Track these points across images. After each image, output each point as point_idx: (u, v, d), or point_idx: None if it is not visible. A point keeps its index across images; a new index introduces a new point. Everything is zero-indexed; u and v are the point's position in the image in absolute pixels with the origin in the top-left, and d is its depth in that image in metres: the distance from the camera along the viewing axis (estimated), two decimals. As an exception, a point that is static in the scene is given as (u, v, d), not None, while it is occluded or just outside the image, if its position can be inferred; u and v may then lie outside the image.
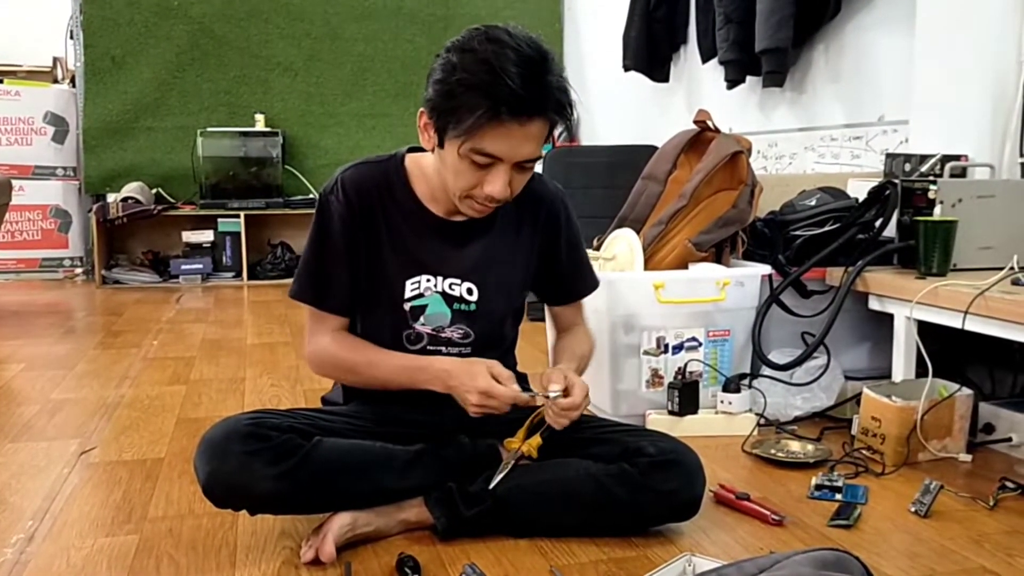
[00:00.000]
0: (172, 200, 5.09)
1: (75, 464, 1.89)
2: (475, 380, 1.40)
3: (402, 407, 1.54)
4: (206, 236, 5.06)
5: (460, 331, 1.54)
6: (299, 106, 5.35)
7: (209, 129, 5.08)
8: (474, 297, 1.53)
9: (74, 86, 5.17)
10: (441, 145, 1.37)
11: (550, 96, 1.32)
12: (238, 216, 5.00)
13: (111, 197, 4.97)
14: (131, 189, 4.92)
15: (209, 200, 5.04)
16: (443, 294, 1.52)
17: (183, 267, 4.98)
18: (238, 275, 5.04)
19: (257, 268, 5.08)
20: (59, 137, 5.13)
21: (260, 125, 5.19)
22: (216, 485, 1.36)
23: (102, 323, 3.70)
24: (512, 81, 1.26)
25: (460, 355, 1.52)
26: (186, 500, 1.66)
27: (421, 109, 1.39)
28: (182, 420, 2.22)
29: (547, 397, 1.42)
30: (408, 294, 1.50)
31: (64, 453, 1.96)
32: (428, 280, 1.51)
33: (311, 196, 5.22)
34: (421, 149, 1.52)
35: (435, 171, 1.45)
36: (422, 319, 1.52)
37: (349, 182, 1.49)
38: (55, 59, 5.44)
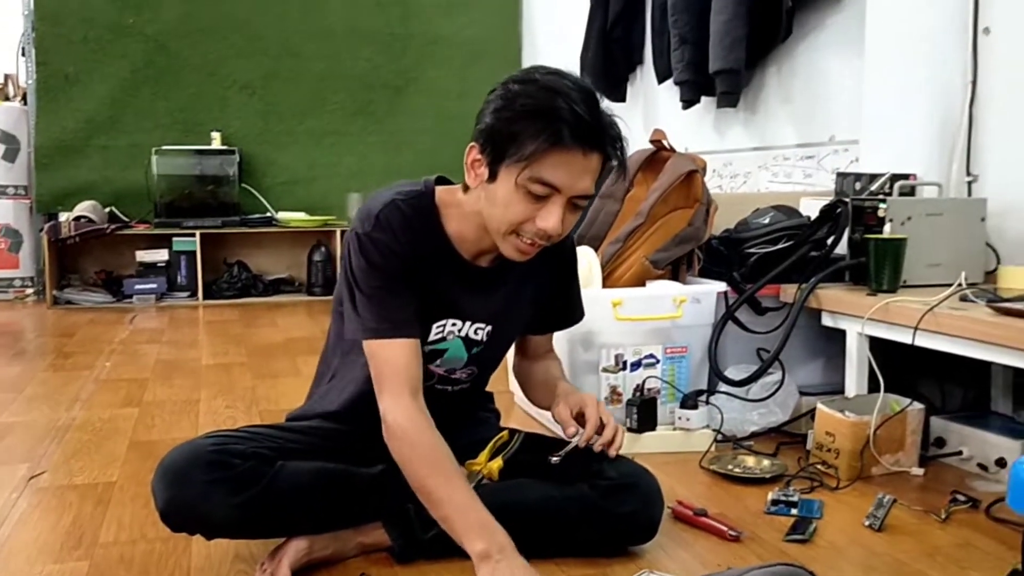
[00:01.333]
0: (126, 219, 5.02)
1: (24, 489, 1.85)
2: None
3: (365, 426, 1.52)
4: (160, 255, 4.99)
5: (468, 371, 1.54)
6: (256, 124, 5.31)
7: (164, 147, 5.02)
8: (487, 339, 1.52)
9: (26, 103, 5.09)
10: (494, 177, 1.32)
11: (608, 129, 1.31)
12: (193, 235, 4.93)
13: (63, 216, 4.88)
14: (84, 208, 4.84)
15: (164, 219, 4.98)
16: (465, 338, 1.50)
17: (137, 287, 4.90)
18: (193, 295, 4.97)
19: (213, 287, 5.02)
20: (10, 155, 5.04)
21: (216, 143, 5.14)
22: (175, 511, 1.34)
23: (53, 344, 3.63)
24: (577, 107, 1.26)
25: (462, 391, 1.54)
26: (138, 524, 1.63)
27: (472, 144, 1.35)
28: (135, 443, 2.18)
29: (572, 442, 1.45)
30: (432, 337, 1.47)
31: (12, 478, 1.91)
32: (454, 324, 1.48)
33: (268, 214, 5.18)
34: (446, 180, 1.48)
35: (473, 210, 1.40)
36: (439, 361, 1.49)
37: (392, 222, 1.38)
38: (6, 76, 5.35)
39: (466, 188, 1.41)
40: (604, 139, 1.31)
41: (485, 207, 1.36)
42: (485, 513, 1.32)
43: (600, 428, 1.47)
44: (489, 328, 1.51)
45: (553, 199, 1.30)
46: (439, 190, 1.45)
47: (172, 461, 1.36)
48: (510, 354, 1.70)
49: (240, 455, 1.37)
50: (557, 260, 1.56)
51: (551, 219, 1.30)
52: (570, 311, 1.68)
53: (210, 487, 1.32)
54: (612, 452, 1.47)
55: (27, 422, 2.38)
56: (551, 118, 1.26)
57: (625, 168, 1.39)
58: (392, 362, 1.37)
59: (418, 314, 1.42)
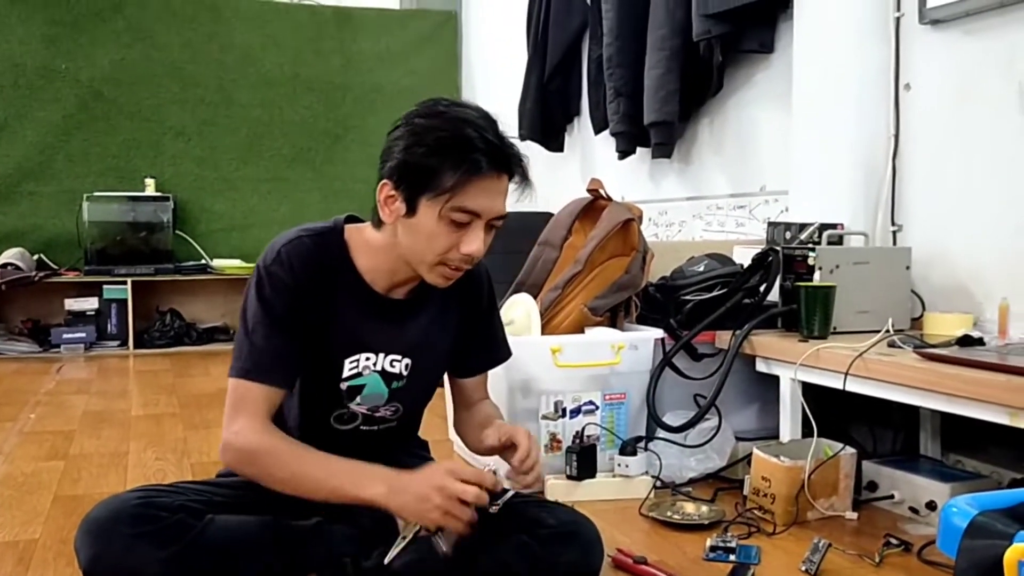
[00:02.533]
0: (55, 266, 4.89)
1: (-62, 549, 1.77)
2: (443, 485, 1.30)
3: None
4: (90, 303, 4.86)
5: (392, 408, 1.53)
6: (192, 170, 5.24)
7: (96, 193, 4.93)
8: (407, 372, 1.51)
9: (-49, 147, 4.95)
10: (412, 211, 1.36)
11: (514, 152, 1.39)
12: (125, 283, 4.82)
13: (-12, 263, 4.74)
14: (10, 255, 4.70)
15: (95, 266, 4.87)
16: (382, 372, 1.49)
17: (65, 336, 4.76)
18: (124, 344, 4.84)
19: (144, 336, 4.89)
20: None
21: (150, 190, 5.06)
22: (100, 569, 1.29)
23: (-26, 396, 3.50)
24: (487, 133, 1.33)
25: (389, 431, 1.52)
26: (61, 584, 1.57)
27: (383, 181, 1.38)
28: (60, 497, 2.10)
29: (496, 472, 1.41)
30: (346, 373, 1.47)
31: (-74, 537, 1.83)
32: (368, 359, 1.48)
33: (203, 261, 5.10)
34: (356, 219, 1.50)
35: (386, 245, 1.42)
36: (358, 399, 1.49)
37: (292, 255, 1.41)
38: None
39: (377, 224, 1.43)
40: (513, 161, 1.39)
41: (405, 240, 1.39)
42: (363, 464, 1.36)
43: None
44: (407, 361, 1.51)
45: (474, 224, 1.37)
46: (348, 228, 1.49)
47: (96, 516, 1.32)
48: (449, 404, 1.69)
49: (167, 508, 1.33)
50: (471, 287, 1.59)
51: (475, 243, 1.37)
52: (494, 347, 1.70)
53: (135, 541, 1.28)
54: (522, 478, 1.46)
55: (-56, 478, 2.28)
56: (466, 149, 1.32)
57: (530, 184, 1.45)
58: (250, 400, 1.39)
59: (297, 363, 1.43)
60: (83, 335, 4.78)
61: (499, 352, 1.71)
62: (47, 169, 4.97)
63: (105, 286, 4.85)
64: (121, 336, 4.86)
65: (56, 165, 4.99)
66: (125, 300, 4.82)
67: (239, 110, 5.33)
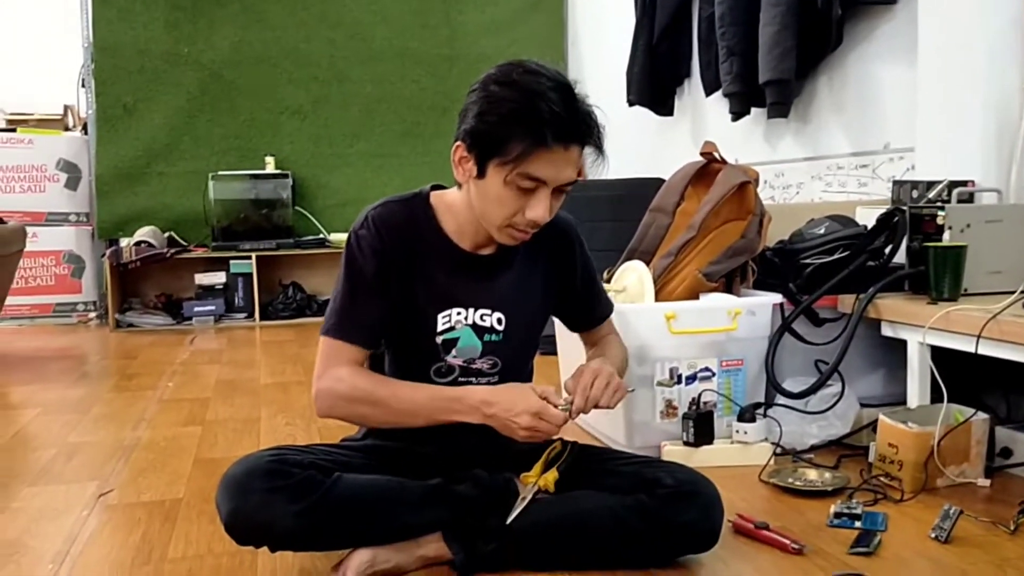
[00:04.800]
0: (184, 243, 5.14)
1: (94, 507, 1.90)
2: (527, 401, 1.41)
3: (418, 441, 1.54)
4: (218, 278, 5.10)
5: (490, 361, 1.56)
6: (308, 148, 5.41)
7: (220, 172, 5.15)
8: (502, 327, 1.56)
9: (86, 133, 5.25)
10: (482, 175, 1.41)
11: (586, 121, 1.40)
12: (249, 257, 5.04)
13: (124, 241, 5.02)
14: (144, 233, 4.97)
15: (221, 242, 5.09)
16: (474, 326, 1.54)
17: (196, 309, 5.01)
18: (250, 316, 5.06)
19: (269, 308, 5.11)
20: (72, 184, 5.19)
21: (270, 167, 5.25)
22: (238, 522, 1.37)
23: (116, 366, 3.73)
24: (556, 106, 1.35)
25: (489, 384, 1.55)
26: (205, 540, 1.67)
27: (457, 143, 1.43)
28: (199, 460, 2.23)
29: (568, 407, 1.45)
30: (440, 327, 1.53)
31: (82, 496, 1.97)
32: (459, 313, 1.53)
33: (321, 236, 5.27)
34: (442, 187, 1.57)
35: (466, 205, 1.49)
36: (454, 351, 1.54)
37: (379, 220, 1.51)
38: (66, 107, 5.53)
39: (460, 186, 1.49)
40: (582, 132, 1.40)
41: (477, 201, 1.45)
42: (441, 389, 1.49)
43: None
44: (499, 315, 1.55)
45: (540, 190, 1.41)
46: (434, 193, 1.56)
47: (233, 474, 1.39)
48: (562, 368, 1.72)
49: (298, 465, 1.40)
50: (560, 241, 1.63)
51: (539, 209, 1.41)
52: (595, 303, 1.74)
53: (270, 495, 1.35)
54: (604, 404, 1.48)
55: (94, 442, 2.45)
56: (534, 122, 1.35)
57: (603, 153, 1.46)
58: (334, 356, 1.49)
59: (382, 324, 1.52)
60: (212, 308, 5.03)
61: (601, 307, 1.76)
62: (174, 150, 5.21)
63: (231, 261, 5.08)
64: (248, 308, 5.09)
65: (182, 146, 5.22)
66: (250, 274, 5.04)
67: (351, 87, 5.45)
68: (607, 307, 1.77)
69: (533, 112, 1.35)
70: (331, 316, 1.52)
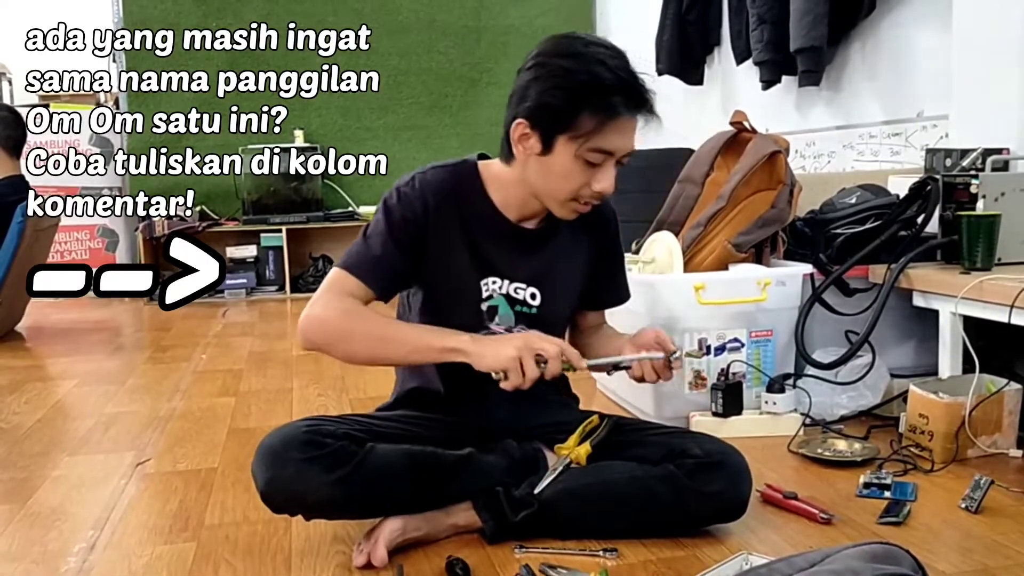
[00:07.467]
0: (216, 217, 5.19)
1: (131, 475, 1.94)
2: (527, 338, 1.39)
3: (450, 412, 1.56)
4: (249, 251, 5.14)
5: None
6: (336, 121, 5.42)
7: (250, 146, 5.17)
8: (536, 302, 1.56)
9: (118, 108, 5.29)
10: (549, 150, 1.40)
11: (647, 90, 1.41)
12: (280, 231, 5.07)
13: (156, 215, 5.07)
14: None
15: (251, 216, 5.13)
16: (507, 296, 1.54)
17: (228, 282, 5.05)
18: (281, 288, 5.11)
19: (299, 281, 5.15)
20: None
21: (299, 141, 5.27)
22: (275, 492, 1.39)
23: (151, 338, 3.79)
24: (624, 75, 1.37)
25: None
26: (241, 508, 1.70)
27: (519, 120, 1.42)
28: (233, 431, 2.27)
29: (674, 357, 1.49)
30: (484, 294, 1.53)
31: (120, 465, 2.01)
32: (495, 282, 1.54)
33: (350, 209, 5.29)
34: (486, 156, 1.57)
35: (515, 179, 1.48)
36: (496, 319, 1.55)
37: (426, 184, 1.50)
38: (96, 82, 5.56)
39: (507, 159, 1.48)
40: (648, 100, 1.41)
41: (538, 177, 1.44)
42: (441, 329, 1.44)
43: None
44: (533, 290, 1.55)
45: (606, 162, 1.42)
46: (482, 163, 1.55)
47: (269, 443, 1.41)
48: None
49: (332, 435, 1.42)
50: (599, 221, 1.62)
51: (606, 181, 1.42)
52: (615, 288, 1.72)
53: (305, 465, 1.37)
54: (665, 376, 1.50)
55: (131, 412, 2.50)
56: (604, 92, 1.35)
57: (657, 117, 1.44)
58: (338, 285, 1.45)
59: (398, 279, 1.50)
60: (244, 281, 5.07)
61: (619, 294, 1.74)
62: (204, 125, 5.22)
63: (262, 234, 5.12)
64: (278, 281, 5.13)
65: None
66: (280, 247, 5.08)
67: (378, 58, 5.44)
68: (623, 296, 1.74)
69: (601, 82, 1.35)
70: (349, 255, 1.49)
